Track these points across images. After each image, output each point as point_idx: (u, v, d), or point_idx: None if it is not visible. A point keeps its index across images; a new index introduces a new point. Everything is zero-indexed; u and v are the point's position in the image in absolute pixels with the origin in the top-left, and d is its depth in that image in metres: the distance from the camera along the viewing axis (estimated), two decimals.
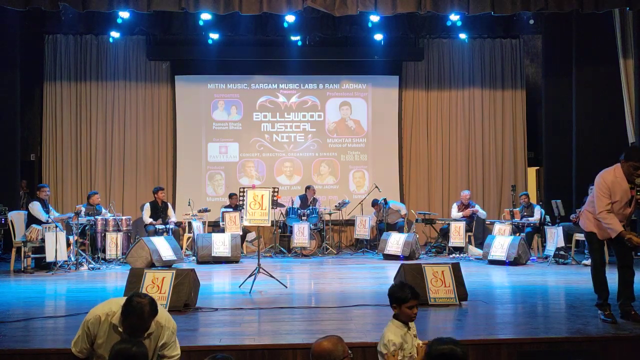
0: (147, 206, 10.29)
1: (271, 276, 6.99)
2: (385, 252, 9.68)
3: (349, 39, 11.83)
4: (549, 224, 9.49)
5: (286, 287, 6.96)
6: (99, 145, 11.69)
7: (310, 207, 10.67)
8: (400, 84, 12.27)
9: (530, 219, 9.95)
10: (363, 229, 10.72)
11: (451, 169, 12.24)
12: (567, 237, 9.23)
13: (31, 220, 8.75)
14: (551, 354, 4.39)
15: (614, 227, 4.97)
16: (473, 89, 12.30)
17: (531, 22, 11.02)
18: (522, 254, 8.91)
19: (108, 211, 9.74)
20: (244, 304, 6.05)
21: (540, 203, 11.07)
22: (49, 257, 8.18)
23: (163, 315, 3.30)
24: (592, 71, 10.11)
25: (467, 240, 10.18)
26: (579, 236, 9.17)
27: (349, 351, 2.76)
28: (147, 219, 10.15)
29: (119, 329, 3.12)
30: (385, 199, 10.76)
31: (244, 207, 7.30)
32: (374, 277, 8.08)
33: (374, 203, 10.90)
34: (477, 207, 10.74)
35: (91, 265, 8.63)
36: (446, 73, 12.33)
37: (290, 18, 9.63)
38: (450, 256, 9.87)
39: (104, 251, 9.06)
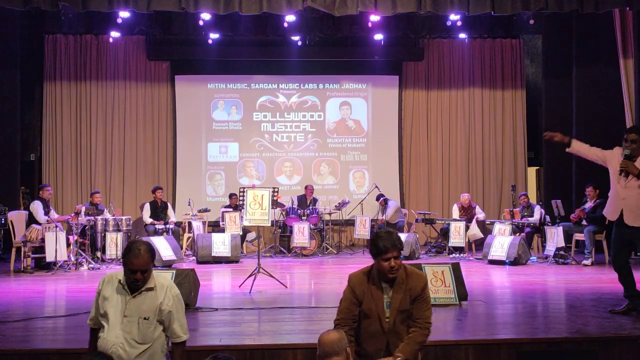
0: (147, 206, 10.30)
1: (271, 276, 6.99)
2: None
3: (349, 39, 11.82)
4: (549, 224, 9.49)
5: (286, 287, 6.97)
6: (99, 145, 11.67)
7: (310, 207, 10.67)
8: (400, 84, 12.26)
9: (530, 219, 9.94)
10: (363, 229, 10.70)
11: (451, 169, 12.23)
12: (567, 237, 9.23)
13: (31, 220, 8.75)
14: (551, 354, 4.39)
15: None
16: (473, 89, 12.29)
17: (531, 22, 10.98)
18: (522, 254, 8.91)
19: (108, 211, 9.74)
20: (244, 304, 6.05)
21: (540, 203, 11.06)
22: (49, 257, 8.18)
23: (168, 279, 3.45)
24: (592, 71, 10.10)
25: (467, 239, 10.16)
26: (579, 236, 9.18)
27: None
28: (148, 219, 10.16)
29: (122, 282, 3.27)
30: (386, 199, 10.80)
31: (244, 207, 7.30)
32: None
33: (379, 197, 10.87)
34: (478, 209, 10.70)
35: (91, 265, 8.63)
36: (446, 73, 12.32)
37: (290, 18, 9.61)
38: (450, 256, 9.87)
39: (103, 251, 9.06)
